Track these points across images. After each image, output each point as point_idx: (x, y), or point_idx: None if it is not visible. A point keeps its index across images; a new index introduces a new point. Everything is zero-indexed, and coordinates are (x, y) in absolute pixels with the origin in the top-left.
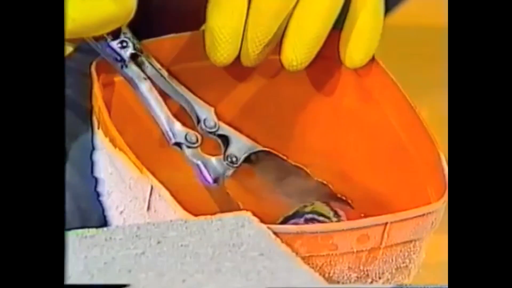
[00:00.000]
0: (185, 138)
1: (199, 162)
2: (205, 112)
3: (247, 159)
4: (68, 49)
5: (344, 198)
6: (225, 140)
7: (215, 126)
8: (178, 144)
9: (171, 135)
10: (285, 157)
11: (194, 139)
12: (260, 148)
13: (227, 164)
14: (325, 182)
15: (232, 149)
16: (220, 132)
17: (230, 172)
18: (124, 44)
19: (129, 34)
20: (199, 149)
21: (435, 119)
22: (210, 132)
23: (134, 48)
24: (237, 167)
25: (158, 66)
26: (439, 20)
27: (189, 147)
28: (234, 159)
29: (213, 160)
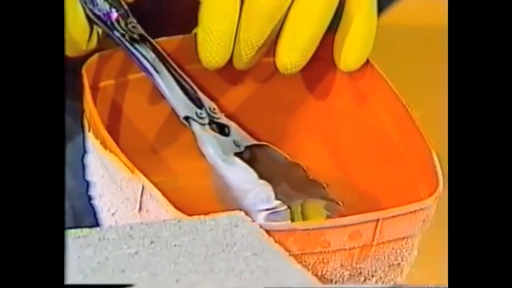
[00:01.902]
0: (196, 114)
1: (209, 136)
2: (209, 101)
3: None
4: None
5: (336, 201)
6: (227, 129)
7: (219, 113)
8: (187, 119)
9: (180, 108)
10: (283, 153)
11: (203, 115)
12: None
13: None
14: (323, 183)
15: (234, 137)
16: (221, 121)
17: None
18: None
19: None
20: (207, 127)
21: (435, 118)
22: (214, 119)
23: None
24: (241, 151)
25: (162, 51)
26: (439, 20)
27: (198, 122)
28: (238, 144)
29: (223, 137)
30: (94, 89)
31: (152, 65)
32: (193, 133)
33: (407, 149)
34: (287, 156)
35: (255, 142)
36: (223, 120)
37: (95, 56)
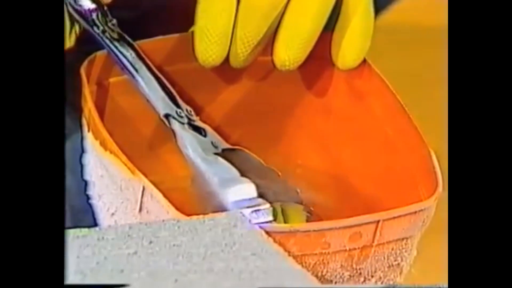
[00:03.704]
0: (176, 112)
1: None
2: (185, 105)
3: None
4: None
5: (309, 207)
6: (203, 131)
7: (195, 116)
8: (167, 116)
9: (160, 106)
10: (258, 158)
11: (183, 114)
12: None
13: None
14: (297, 189)
15: (211, 139)
16: (197, 124)
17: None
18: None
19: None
20: (186, 126)
21: (435, 118)
22: (190, 121)
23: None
24: (219, 153)
25: (140, 51)
26: (439, 20)
27: (178, 121)
28: (215, 145)
29: (202, 137)
30: (93, 88)
31: (131, 63)
32: (172, 131)
33: (406, 149)
34: (262, 161)
35: (229, 146)
36: (199, 123)
37: (94, 55)
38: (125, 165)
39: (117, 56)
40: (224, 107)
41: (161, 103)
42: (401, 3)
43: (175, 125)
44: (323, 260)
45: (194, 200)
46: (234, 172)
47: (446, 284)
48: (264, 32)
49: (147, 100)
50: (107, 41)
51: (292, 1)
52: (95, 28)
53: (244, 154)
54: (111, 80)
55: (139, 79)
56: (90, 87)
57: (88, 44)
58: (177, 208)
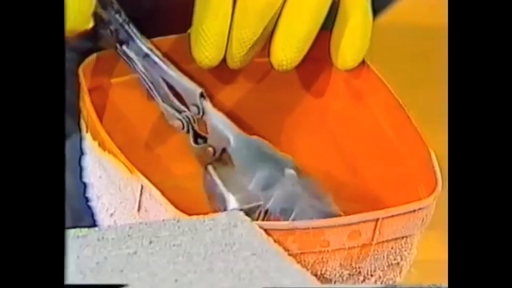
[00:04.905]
0: (183, 117)
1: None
2: (191, 97)
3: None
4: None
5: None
6: (205, 129)
7: (198, 112)
8: (202, 95)
9: (171, 111)
10: (273, 147)
11: (190, 117)
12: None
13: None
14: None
15: (210, 141)
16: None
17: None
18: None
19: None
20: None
21: (435, 117)
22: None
23: (127, 32)
24: (215, 159)
25: (150, 47)
26: (439, 20)
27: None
28: (212, 150)
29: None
30: (91, 89)
31: (148, 54)
32: (203, 111)
33: (405, 148)
34: (277, 150)
35: (244, 134)
36: (205, 116)
37: (93, 56)
38: (124, 164)
39: (140, 48)
40: (221, 108)
41: (192, 84)
42: (401, 3)
43: (208, 105)
44: (322, 258)
45: (205, 195)
46: (240, 180)
47: (446, 284)
48: (260, 33)
49: (172, 88)
50: (126, 27)
51: (288, 0)
52: (117, 16)
53: (260, 142)
54: (110, 80)
55: (164, 66)
56: (89, 87)
57: (88, 43)
58: (175, 207)
